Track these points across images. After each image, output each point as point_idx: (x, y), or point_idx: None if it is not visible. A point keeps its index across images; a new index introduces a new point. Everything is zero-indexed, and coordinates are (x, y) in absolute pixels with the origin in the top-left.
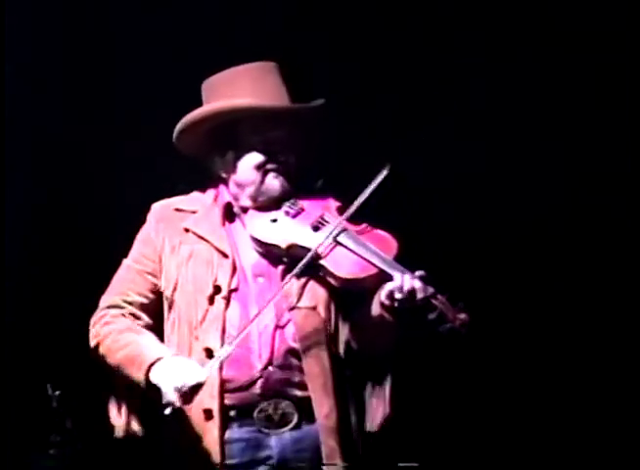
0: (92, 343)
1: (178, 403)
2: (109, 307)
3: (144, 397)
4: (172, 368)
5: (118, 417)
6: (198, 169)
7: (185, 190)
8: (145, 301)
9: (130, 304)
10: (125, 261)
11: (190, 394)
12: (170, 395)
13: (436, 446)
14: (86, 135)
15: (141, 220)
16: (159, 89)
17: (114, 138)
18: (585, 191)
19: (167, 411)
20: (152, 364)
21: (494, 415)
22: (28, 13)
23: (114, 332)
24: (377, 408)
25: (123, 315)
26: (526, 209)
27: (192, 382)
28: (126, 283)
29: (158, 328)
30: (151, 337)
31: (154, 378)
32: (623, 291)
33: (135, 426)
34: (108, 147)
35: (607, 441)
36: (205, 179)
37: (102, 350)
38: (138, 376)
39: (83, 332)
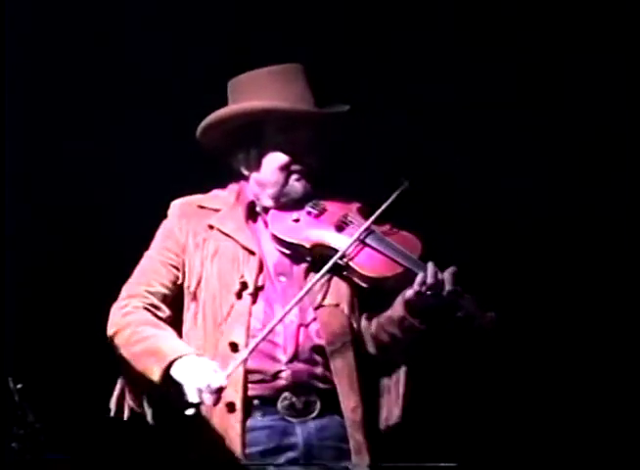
0: (109, 331)
1: (209, 403)
2: (131, 297)
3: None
4: (196, 368)
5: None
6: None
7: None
8: (167, 292)
9: (153, 294)
10: (148, 253)
11: (217, 396)
12: (192, 395)
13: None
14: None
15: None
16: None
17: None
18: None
19: (190, 412)
20: (174, 360)
21: (509, 412)
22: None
23: (134, 323)
24: (391, 406)
25: (145, 308)
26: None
27: (216, 385)
28: (150, 273)
29: (176, 321)
30: (172, 333)
31: (175, 374)
32: None
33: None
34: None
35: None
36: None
37: (118, 340)
38: (156, 369)
39: (48, 325)
